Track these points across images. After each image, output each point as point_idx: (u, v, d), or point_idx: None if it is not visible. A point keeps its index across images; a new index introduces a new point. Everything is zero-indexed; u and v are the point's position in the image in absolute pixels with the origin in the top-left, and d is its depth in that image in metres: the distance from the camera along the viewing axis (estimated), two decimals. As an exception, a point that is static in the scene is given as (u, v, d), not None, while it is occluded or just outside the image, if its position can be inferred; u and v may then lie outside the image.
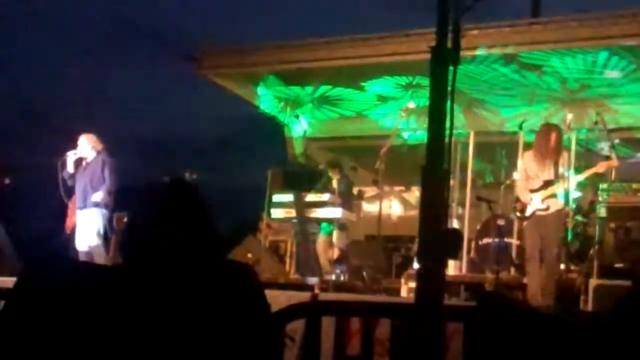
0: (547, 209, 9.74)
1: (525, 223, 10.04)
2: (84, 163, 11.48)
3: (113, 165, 11.36)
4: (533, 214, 9.80)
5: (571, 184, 9.96)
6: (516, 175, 10.87)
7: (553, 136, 9.88)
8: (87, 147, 11.46)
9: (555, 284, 9.65)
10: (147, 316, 2.85)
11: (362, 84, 13.55)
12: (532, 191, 9.84)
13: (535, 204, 9.78)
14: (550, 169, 9.82)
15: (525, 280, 9.94)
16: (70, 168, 11.42)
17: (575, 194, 10.39)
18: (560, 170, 9.83)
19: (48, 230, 12.56)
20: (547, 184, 9.78)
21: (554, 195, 9.75)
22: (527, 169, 10.04)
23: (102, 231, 11.14)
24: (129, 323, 2.84)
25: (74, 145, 11.51)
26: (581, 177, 10.27)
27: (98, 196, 11.15)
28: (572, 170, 10.06)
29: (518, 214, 10.05)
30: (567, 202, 10.02)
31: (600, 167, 10.21)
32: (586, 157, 11.86)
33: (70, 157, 11.44)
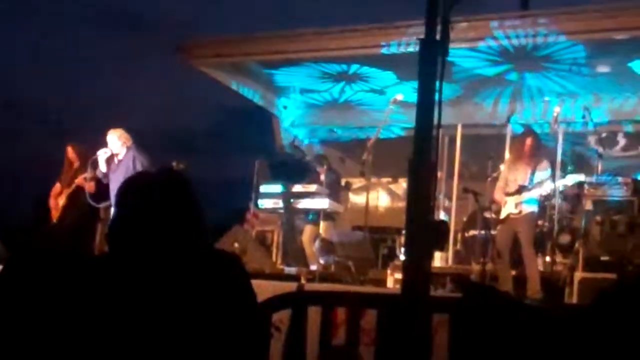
0: (520, 212, 9.98)
1: (499, 226, 10.21)
2: (115, 160, 11.10)
3: (144, 160, 10.99)
4: (507, 217, 10.02)
5: (546, 188, 10.14)
6: (503, 167, 10.97)
7: (528, 141, 10.21)
8: (117, 143, 11.08)
9: (539, 277, 9.80)
10: (133, 305, 2.85)
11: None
12: (507, 195, 10.06)
13: (509, 207, 10.02)
14: (526, 174, 10.04)
15: (501, 275, 10.05)
16: (102, 167, 11.06)
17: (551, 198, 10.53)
18: (537, 177, 10.04)
19: (34, 220, 12.49)
20: (522, 189, 9.98)
21: (526, 201, 9.94)
22: (508, 174, 10.27)
23: None
24: (116, 312, 2.84)
25: (93, 141, 11.13)
26: (549, 189, 10.34)
27: None
28: (547, 173, 10.19)
29: (493, 215, 10.25)
30: (539, 207, 10.27)
31: (569, 180, 10.38)
32: (574, 150, 11.93)
33: (102, 155, 11.05)
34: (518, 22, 11.46)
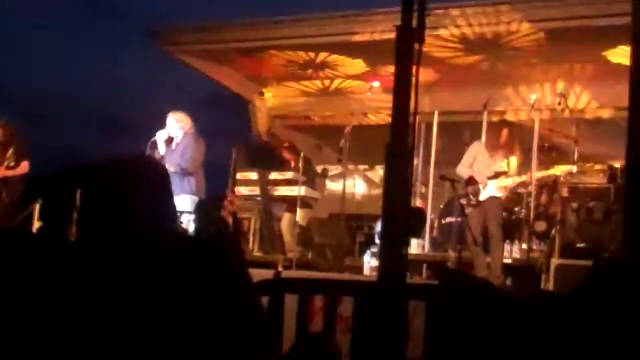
0: (501, 196, 10.06)
1: (470, 209, 10.17)
2: (173, 143, 10.97)
3: (204, 147, 11.02)
4: (487, 199, 10.01)
5: (528, 178, 10.27)
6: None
7: (503, 133, 10.22)
8: (176, 126, 10.95)
9: (502, 266, 9.87)
10: (107, 292, 2.83)
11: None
12: (489, 178, 10.08)
13: (490, 190, 9.99)
14: (502, 163, 10.11)
15: (476, 263, 10.07)
16: (161, 149, 10.80)
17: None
18: (513, 165, 10.15)
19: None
20: (502, 174, 10.03)
21: (506, 184, 10.06)
22: (476, 158, 10.26)
23: None
24: (90, 300, 2.82)
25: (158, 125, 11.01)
26: (539, 175, 10.42)
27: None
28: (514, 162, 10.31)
29: (471, 197, 10.19)
30: (515, 194, 10.46)
31: (558, 170, 10.39)
32: (550, 138, 11.96)
33: (160, 137, 10.87)
34: (492, 9, 11.47)
